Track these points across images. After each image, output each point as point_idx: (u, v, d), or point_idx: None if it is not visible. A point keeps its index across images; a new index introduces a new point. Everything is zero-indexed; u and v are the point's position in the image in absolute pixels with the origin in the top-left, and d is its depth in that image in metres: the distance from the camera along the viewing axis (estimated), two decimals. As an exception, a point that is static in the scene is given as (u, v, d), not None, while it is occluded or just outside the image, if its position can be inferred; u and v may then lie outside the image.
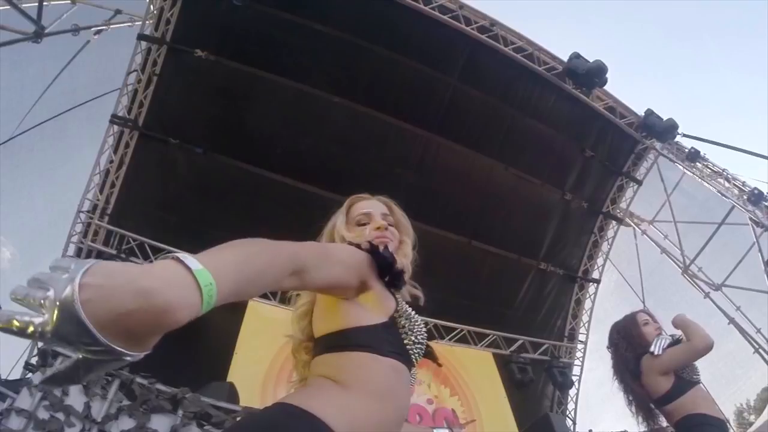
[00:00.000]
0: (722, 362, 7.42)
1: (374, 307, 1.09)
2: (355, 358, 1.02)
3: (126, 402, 2.15)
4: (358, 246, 1.14)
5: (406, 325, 1.12)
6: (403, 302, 1.18)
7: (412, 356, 1.11)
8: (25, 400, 2.03)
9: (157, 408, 2.16)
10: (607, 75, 6.68)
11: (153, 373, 4.79)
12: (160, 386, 2.27)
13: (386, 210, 1.39)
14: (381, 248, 1.16)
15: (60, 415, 2.01)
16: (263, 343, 5.36)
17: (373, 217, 1.34)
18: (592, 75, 6.48)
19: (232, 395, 3.89)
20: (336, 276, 0.99)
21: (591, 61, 6.58)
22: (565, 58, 6.68)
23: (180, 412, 2.20)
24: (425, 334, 1.16)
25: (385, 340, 1.06)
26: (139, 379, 2.23)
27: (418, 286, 1.37)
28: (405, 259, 1.34)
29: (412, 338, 1.11)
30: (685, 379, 2.35)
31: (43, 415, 1.99)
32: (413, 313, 1.17)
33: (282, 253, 0.83)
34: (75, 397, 2.10)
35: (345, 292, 1.06)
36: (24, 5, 4.78)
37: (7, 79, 4.89)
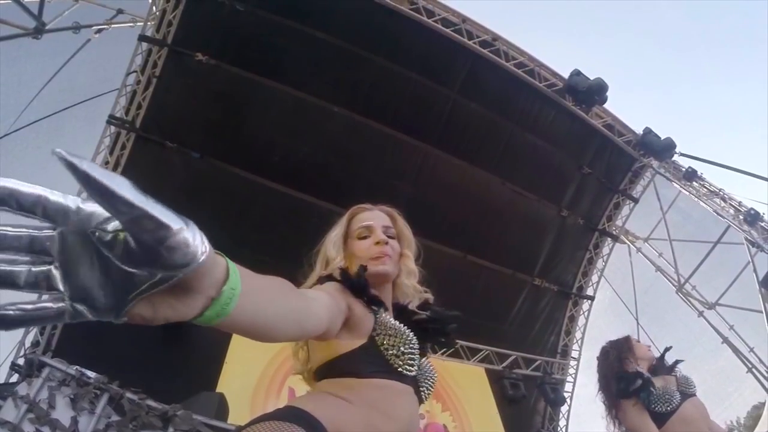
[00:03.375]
0: (714, 379, 7.43)
1: (354, 332, 1.11)
2: (341, 382, 1.08)
3: (115, 417, 2.08)
4: (329, 276, 1.20)
5: (386, 341, 1.12)
6: (386, 317, 1.17)
7: (399, 368, 1.10)
8: (9, 411, 1.95)
9: (147, 425, 2.09)
10: (607, 93, 6.72)
11: (144, 380, 4.71)
12: (151, 402, 2.20)
13: (388, 221, 1.38)
14: (356, 271, 1.20)
15: (46, 429, 1.94)
16: (254, 353, 5.29)
17: (373, 230, 1.32)
18: (592, 92, 6.51)
19: (222, 406, 3.81)
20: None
21: (591, 78, 6.61)
22: (565, 74, 6.71)
23: (171, 430, 2.13)
24: (412, 342, 1.15)
25: (364, 361, 1.09)
26: (128, 395, 2.16)
27: (427, 290, 1.37)
28: (410, 278, 1.34)
29: (393, 352, 1.11)
30: (658, 413, 2.26)
31: (28, 428, 1.92)
32: (396, 324, 1.16)
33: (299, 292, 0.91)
34: (62, 411, 2.03)
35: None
36: (25, 0, 4.74)
37: (5, 75, 4.82)
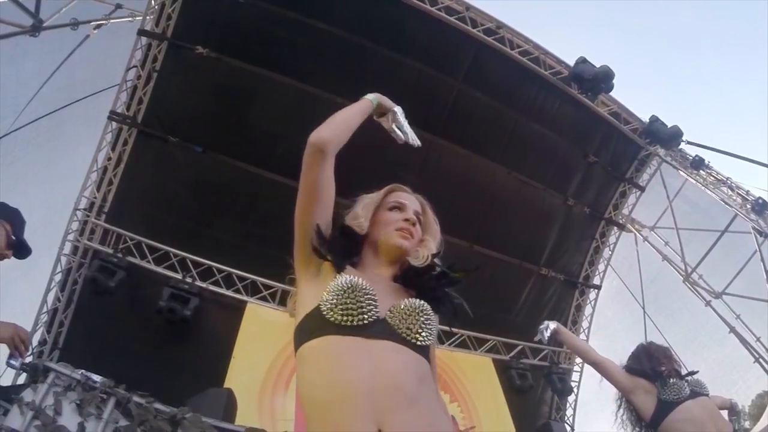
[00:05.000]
0: (720, 368, 7.41)
1: (315, 293, 1.13)
2: (298, 356, 1.11)
3: (123, 422, 2.05)
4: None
5: (324, 296, 1.09)
6: (344, 276, 1.13)
7: (347, 318, 1.06)
8: (15, 419, 1.92)
9: (155, 429, 2.06)
10: (613, 81, 6.62)
11: (152, 376, 4.71)
12: (159, 405, 2.17)
13: (420, 209, 1.42)
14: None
15: (53, 436, 1.93)
16: (262, 347, 5.29)
17: (406, 208, 1.36)
18: (598, 80, 6.41)
19: (231, 403, 3.80)
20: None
21: (597, 66, 6.51)
22: (571, 62, 6.61)
23: (180, 434, 2.12)
24: (356, 291, 1.09)
25: (310, 326, 1.10)
26: (136, 398, 2.13)
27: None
28: (426, 250, 1.34)
29: (327, 306, 1.08)
30: (666, 401, 2.36)
31: (35, 435, 1.91)
32: (345, 278, 1.11)
33: None
34: (68, 417, 2.00)
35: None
36: (22, -2, 4.67)
37: (3, 74, 4.76)
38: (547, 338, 2.81)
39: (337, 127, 1.31)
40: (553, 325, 2.84)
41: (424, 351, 1.11)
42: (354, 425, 0.93)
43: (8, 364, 2.11)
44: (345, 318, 1.06)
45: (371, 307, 1.09)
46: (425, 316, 1.13)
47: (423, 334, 1.10)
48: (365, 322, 1.07)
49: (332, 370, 1.02)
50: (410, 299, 1.16)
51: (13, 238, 2.38)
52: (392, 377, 1.01)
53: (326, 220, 1.25)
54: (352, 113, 1.40)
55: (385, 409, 0.95)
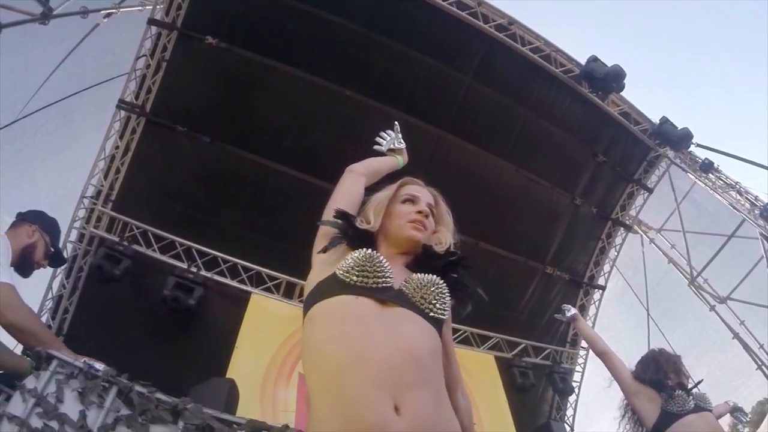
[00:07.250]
0: (722, 373, 7.37)
1: (331, 268, 1.15)
2: (307, 319, 1.11)
3: (124, 411, 2.06)
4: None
5: (343, 264, 1.12)
6: (362, 249, 1.15)
7: (363, 280, 1.08)
8: (17, 406, 1.94)
9: (156, 419, 2.07)
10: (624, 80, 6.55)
11: (155, 365, 4.73)
12: (160, 395, 2.18)
13: (433, 201, 1.46)
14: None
15: (54, 424, 1.92)
16: (265, 338, 5.28)
17: (418, 201, 1.40)
18: (609, 79, 6.35)
19: (233, 393, 3.81)
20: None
21: (609, 65, 6.44)
22: (582, 60, 6.55)
23: (181, 424, 2.12)
24: (373, 259, 1.12)
25: (322, 289, 1.12)
26: (138, 388, 2.14)
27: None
28: (442, 236, 1.39)
29: (343, 270, 1.10)
30: (669, 413, 2.38)
31: (36, 423, 1.91)
32: (362, 251, 1.15)
33: None
34: (70, 405, 2.01)
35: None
36: (32, -15, 4.67)
37: (12, 61, 4.77)
38: (565, 319, 3.22)
39: (367, 162, 1.66)
40: (573, 310, 3.20)
41: (437, 324, 1.11)
42: (370, 396, 0.89)
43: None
44: (360, 279, 1.08)
45: (387, 275, 1.11)
46: (439, 289, 1.14)
47: (437, 305, 1.12)
48: (380, 285, 1.08)
49: (346, 335, 1.01)
50: (425, 274, 1.18)
51: (51, 249, 2.47)
52: (410, 347, 1.00)
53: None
54: (382, 158, 1.75)
55: (402, 383, 0.93)
